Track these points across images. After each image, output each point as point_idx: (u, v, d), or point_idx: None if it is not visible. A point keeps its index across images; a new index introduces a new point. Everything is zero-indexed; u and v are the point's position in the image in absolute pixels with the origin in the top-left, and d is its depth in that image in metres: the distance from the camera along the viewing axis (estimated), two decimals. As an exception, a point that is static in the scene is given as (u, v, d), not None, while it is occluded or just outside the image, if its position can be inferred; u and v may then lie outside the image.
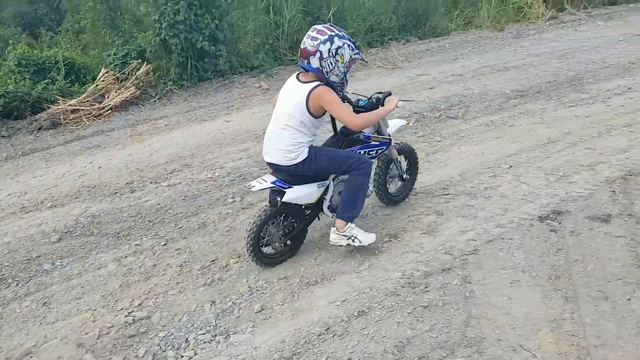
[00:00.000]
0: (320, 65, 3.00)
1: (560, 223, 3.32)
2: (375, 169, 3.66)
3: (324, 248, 3.41)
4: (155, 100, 6.89)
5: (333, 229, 3.27)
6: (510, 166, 4.26)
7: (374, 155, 3.45)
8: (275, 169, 3.23)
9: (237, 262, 3.37)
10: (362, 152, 3.37)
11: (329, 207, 3.37)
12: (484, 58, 8.08)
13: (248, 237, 3.14)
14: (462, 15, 10.96)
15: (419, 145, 4.94)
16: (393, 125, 3.64)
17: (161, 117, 6.37)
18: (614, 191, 3.64)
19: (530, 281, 2.81)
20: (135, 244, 3.68)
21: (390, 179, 3.84)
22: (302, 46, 3.05)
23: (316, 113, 3.06)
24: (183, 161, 5.00)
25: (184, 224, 3.91)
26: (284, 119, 3.10)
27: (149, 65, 7.11)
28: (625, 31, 9.40)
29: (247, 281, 3.16)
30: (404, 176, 3.85)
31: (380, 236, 3.45)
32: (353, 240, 3.23)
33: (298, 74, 3.21)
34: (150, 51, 7.14)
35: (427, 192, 4.03)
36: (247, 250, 3.18)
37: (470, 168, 4.34)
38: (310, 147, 3.16)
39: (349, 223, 3.23)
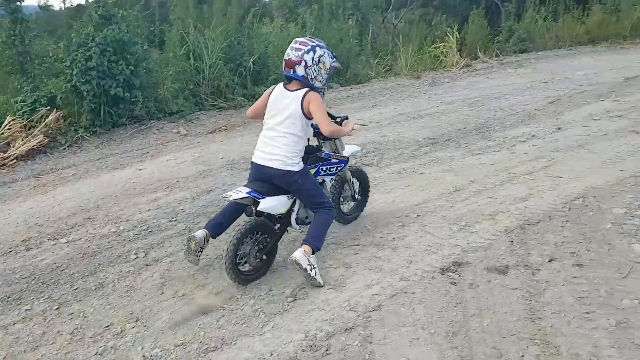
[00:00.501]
0: (306, 73, 3.37)
1: (460, 275, 3.37)
2: (330, 188, 4.03)
3: (228, 308, 3.28)
4: (64, 148, 6.61)
5: (300, 249, 3.41)
6: (418, 215, 4.34)
7: (333, 171, 3.91)
8: (261, 173, 3.50)
9: (133, 327, 3.17)
10: (325, 168, 3.82)
11: (296, 220, 3.67)
12: (400, 105, 8.36)
13: (226, 257, 3.31)
14: (383, 63, 11.38)
15: (334, 194, 4.96)
16: (349, 148, 4.11)
17: (69, 166, 6.09)
18: (512, 241, 3.76)
19: (429, 339, 2.81)
20: (26, 309, 3.41)
21: (343, 199, 4.21)
22: (286, 57, 3.41)
23: (309, 115, 3.42)
24: (86, 214, 4.75)
25: (80, 285, 3.67)
26: (283, 127, 3.42)
27: (59, 112, 6.83)
28: (534, 78, 10.05)
29: (142, 349, 2.96)
30: (356, 197, 4.27)
31: (289, 292, 3.37)
32: (312, 269, 3.38)
33: (284, 84, 3.53)
34: (61, 97, 6.87)
35: (339, 242, 4.01)
36: (226, 270, 3.35)
37: (380, 217, 4.37)
38: (305, 167, 3.51)
39: (314, 253, 3.45)
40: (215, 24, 8.32)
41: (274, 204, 3.45)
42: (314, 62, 3.37)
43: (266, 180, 3.50)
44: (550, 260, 3.47)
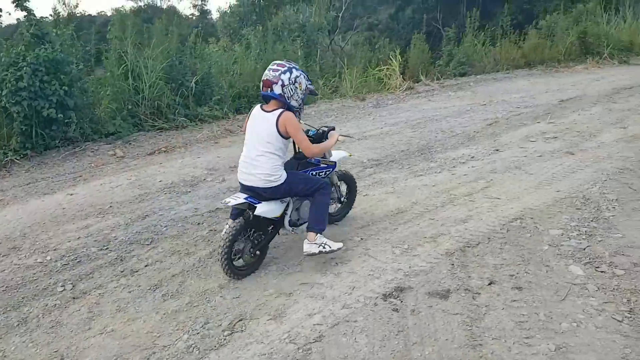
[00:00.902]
0: (282, 92, 3.60)
1: (402, 301, 3.32)
2: None
3: (160, 344, 3.09)
4: (-9, 173, 6.19)
5: (305, 240, 3.77)
6: (361, 239, 4.28)
7: (322, 175, 4.16)
8: (250, 190, 3.71)
9: (57, 368, 2.94)
10: (314, 173, 4.07)
11: (289, 222, 3.95)
12: (345, 127, 8.37)
13: (222, 252, 3.59)
14: (329, 85, 11.44)
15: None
16: (337, 154, 4.38)
17: (-4, 191, 5.70)
18: (452, 264, 3.75)
19: (370, 370, 2.72)
20: (-62, 350, 3.11)
21: (330, 201, 4.33)
22: (264, 78, 3.63)
23: (285, 135, 3.62)
24: (12, 243, 4.44)
25: (1, 321, 3.40)
26: (261, 147, 3.62)
27: (-15, 134, 6.44)
28: (472, 101, 10.30)
29: (64, 392, 2.74)
30: (342, 199, 4.57)
31: (225, 325, 3.21)
32: (324, 247, 3.76)
33: (261, 105, 3.75)
34: (-11, 119, 6.49)
35: (280, 269, 3.89)
36: (222, 264, 3.62)
37: (324, 242, 4.29)
38: (287, 172, 3.73)
39: (318, 235, 3.76)
40: (155, 43, 8.11)
41: (269, 209, 3.73)
42: (290, 81, 3.61)
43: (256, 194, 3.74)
44: (490, 284, 3.48)
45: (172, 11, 36.25)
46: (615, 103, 9.47)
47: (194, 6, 38.63)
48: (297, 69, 3.67)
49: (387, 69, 11.97)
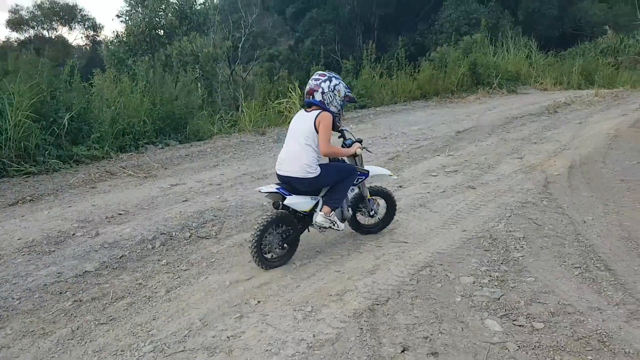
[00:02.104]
0: (322, 98, 4.06)
1: (305, 386, 2.79)
2: (351, 199, 4.57)
3: None
4: None
5: (320, 212, 4.14)
6: (259, 301, 3.71)
7: (355, 182, 4.41)
8: (287, 182, 4.10)
9: None
10: None
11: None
12: (244, 164, 7.84)
13: (252, 244, 3.94)
14: (227, 118, 10.86)
15: (161, 277, 4.17)
16: (379, 170, 4.69)
17: None
18: (361, 328, 3.28)
19: None
20: None
21: (363, 208, 4.68)
22: (307, 87, 4.14)
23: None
24: None
25: None
26: (302, 140, 4.02)
27: None
28: (374, 134, 10.18)
29: None
30: (372, 213, 4.68)
31: None
32: (334, 224, 4.20)
33: (305, 110, 4.20)
34: None
35: (159, 348, 3.22)
36: (252, 255, 3.98)
37: (215, 307, 3.67)
38: (321, 165, 4.09)
39: (333, 211, 4.16)
40: (22, 78, 7.13)
41: (298, 201, 4.07)
42: (329, 89, 4.05)
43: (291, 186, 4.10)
44: (403, 351, 3.04)
45: (61, 42, 34.14)
46: (508, 133, 9.75)
47: (87, 37, 36.68)
48: (336, 78, 4.12)
49: (287, 101, 11.63)
